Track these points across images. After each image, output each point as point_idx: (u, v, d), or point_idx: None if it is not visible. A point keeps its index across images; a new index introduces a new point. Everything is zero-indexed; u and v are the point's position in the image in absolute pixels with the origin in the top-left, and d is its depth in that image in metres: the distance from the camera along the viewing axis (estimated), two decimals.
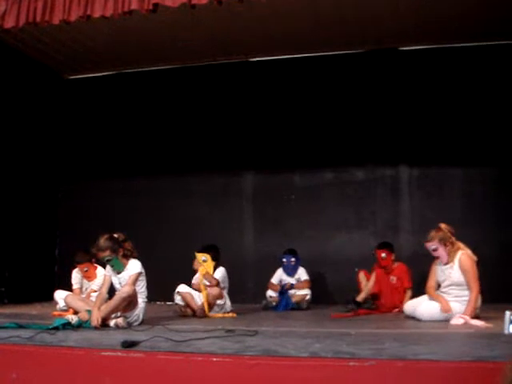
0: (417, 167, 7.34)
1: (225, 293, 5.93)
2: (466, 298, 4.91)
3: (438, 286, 5.17)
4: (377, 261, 6.32)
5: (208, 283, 5.83)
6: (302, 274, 6.70)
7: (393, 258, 6.33)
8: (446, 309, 4.94)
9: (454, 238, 5.05)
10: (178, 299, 5.86)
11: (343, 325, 4.75)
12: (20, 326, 4.28)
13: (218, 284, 5.81)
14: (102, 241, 4.71)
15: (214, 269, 5.92)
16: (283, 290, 6.54)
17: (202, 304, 5.68)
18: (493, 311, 5.04)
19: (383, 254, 6.28)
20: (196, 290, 5.86)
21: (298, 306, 6.48)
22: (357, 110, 7.53)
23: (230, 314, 5.81)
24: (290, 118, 7.71)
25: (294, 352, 3.16)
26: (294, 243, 6.97)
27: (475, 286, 4.88)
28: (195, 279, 6.02)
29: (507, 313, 3.22)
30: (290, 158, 7.69)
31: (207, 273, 5.83)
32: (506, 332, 3.17)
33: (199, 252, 5.92)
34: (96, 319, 4.43)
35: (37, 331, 3.94)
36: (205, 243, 6.09)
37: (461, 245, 5.08)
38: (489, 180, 7.08)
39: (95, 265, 6.32)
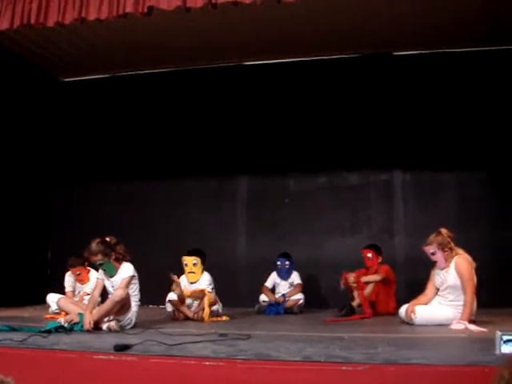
0: (411, 172, 7.35)
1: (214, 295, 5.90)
2: (462, 303, 4.86)
3: (437, 290, 5.13)
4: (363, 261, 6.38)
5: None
6: (295, 278, 6.71)
7: (379, 260, 6.36)
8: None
9: (453, 244, 5.01)
10: (169, 307, 5.85)
11: (336, 329, 4.74)
12: (12, 329, 4.26)
13: (204, 293, 5.73)
14: (94, 245, 4.69)
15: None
16: (277, 304, 6.51)
17: (197, 309, 5.67)
18: (486, 315, 5.06)
19: (369, 255, 6.35)
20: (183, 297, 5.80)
21: (290, 311, 6.48)
22: (351, 115, 7.53)
23: (224, 318, 5.80)
24: (284, 122, 7.70)
25: (287, 356, 3.16)
26: (288, 247, 6.95)
27: (470, 289, 4.84)
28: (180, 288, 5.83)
29: (498, 333, 3.22)
30: (284, 162, 7.68)
31: (194, 291, 5.76)
32: (497, 352, 3.16)
33: (188, 255, 5.89)
34: (88, 322, 4.41)
35: (29, 334, 3.92)
36: (191, 248, 6.03)
37: (460, 251, 5.03)
38: (482, 184, 7.09)
39: (88, 268, 6.29)
